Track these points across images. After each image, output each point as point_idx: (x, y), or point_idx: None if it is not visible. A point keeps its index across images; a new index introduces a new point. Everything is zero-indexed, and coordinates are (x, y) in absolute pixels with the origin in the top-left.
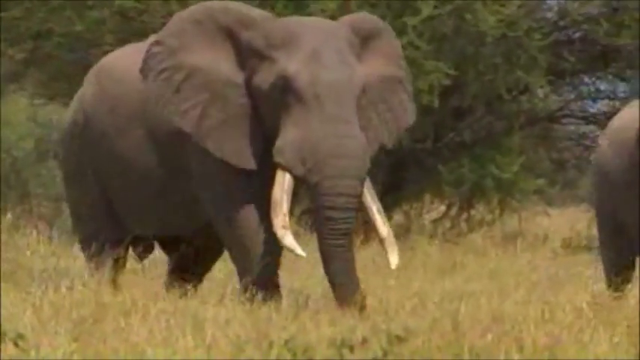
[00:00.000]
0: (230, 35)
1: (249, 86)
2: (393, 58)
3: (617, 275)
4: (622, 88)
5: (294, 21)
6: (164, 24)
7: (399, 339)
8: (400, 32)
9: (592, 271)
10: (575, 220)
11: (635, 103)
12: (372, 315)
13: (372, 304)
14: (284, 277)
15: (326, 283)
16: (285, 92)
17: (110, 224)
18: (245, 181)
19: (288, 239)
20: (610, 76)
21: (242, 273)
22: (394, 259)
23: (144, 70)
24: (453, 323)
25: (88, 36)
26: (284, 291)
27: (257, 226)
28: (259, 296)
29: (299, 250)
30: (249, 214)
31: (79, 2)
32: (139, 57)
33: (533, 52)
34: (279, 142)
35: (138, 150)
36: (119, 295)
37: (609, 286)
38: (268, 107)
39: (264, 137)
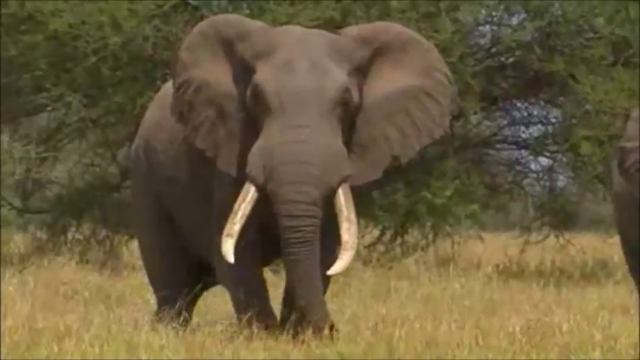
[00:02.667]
0: (230, 48)
1: (243, 99)
2: (421, 69)
3: None
4: (554, 113)
5: (276, 31)
6: (96, 49)
7: None
8: None
9: (525, 296)
10: (508, 245)
11: None
12: (307, 340)
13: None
14: (218, 303)
15: None
16: (258, 102)
17: (178, 256)
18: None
19: (226, 245)
20: (542, 102)
21: (237, 307)
22: (339, 265)
23: (173, 87)
24: (387, 348)
25: (21, 60)
26: (216, 316)
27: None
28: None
29: (230, 257)
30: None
31: (12, 26)
32: None
33: (467, 77)
34: (249, 153)
35: (190, 178)
36: (52, 321)
37: None
38: (256, 119)
39: None
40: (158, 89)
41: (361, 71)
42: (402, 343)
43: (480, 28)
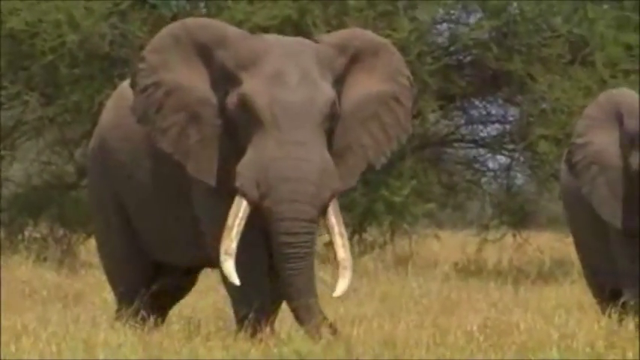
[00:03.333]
0: (205, 53)
1: (222, 106)
2: (390, 74)
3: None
4: (512, 112)
5: (265, 40)
6: (53, 47)
7: None
8: None
9: (483, 294)
10: (466, 244)
11: None
12: (265, 339)
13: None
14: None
15: (217, 308)
16: (246, 114)
17: (135, 255)
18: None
19: (227, 265)
20: (500, 100)
21: (238, 306)
22: (342, 285)
23: (132, 86)
24: (345, 347)
25: None
26: (174, 317)
27: (250, 251)
28: (264, 329)
29: (235, 278)
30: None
31: None
32: None
33: (425, 76)
34: (238, 166)
35: (152, 177)
36: (10, 319)
37: None
38: (237, 129)
39: (238, 159)
40: (115, 87)
41: (340, 79)
42: (360, 342)
43: (438, 26)
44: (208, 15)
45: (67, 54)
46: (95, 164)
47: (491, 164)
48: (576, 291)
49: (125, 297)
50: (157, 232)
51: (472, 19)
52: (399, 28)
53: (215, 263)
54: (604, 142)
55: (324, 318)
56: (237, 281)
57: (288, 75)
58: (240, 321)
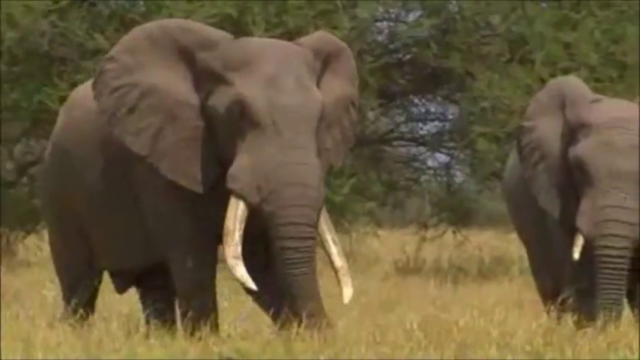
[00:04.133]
0: (187, 56)
1: (204, 108)
2: (349, 79)
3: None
4: (452, 110)
5: (253, 42)
6: None
7: None
8: None
9: (422, 292)
10: (406, 242)
11: None
12: (204, 337)
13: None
14: (113, 301)
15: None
16: (241, 117)
17: (85, 257)
18: (192, 205)
19: (239, 270)
20: (440, 98)
21: (185, 302)
22: (348, 292)
23: (95, 87)
24: (285, 346)
25: None
26: (113, 315)
27: (201, 253)
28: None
29: (250, 283)
30: (195, 240)
31: None
32: None
33: (364, 74)
34: (233, 169)
35: (105, 180)
36: None
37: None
38: (224, 131)
39: (218, 161)
40: (55, 86)
41: (317, 83)
42: (300, 340)
43: (378, 24)
44: (147, 13)
45: (6, 52)
46: (50, 166)
47: (430, 162)
48: (515, 288)
49: (70, 296)
50: (107, 236)
51: (412, 17)
52: (339, 26)
53: (164, 265)
54: (547, 128)
55: (329, 322)
56: (253, 286)
57: (283, 79)
58: (185, 318)
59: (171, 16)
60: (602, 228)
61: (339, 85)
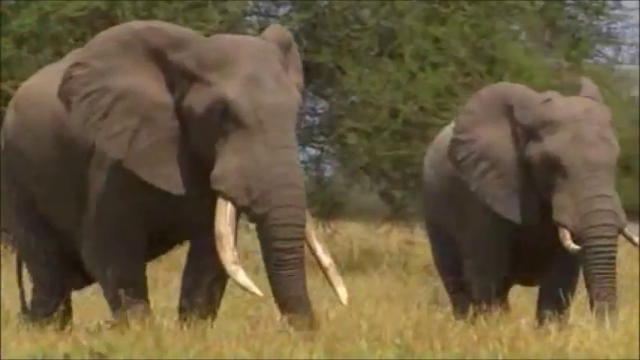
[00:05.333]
0: (159, 57)
1: (179, 109)
2: (300, 71)
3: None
4: (322, 104)
5: (226, 40)
6: None
7: (101, 355)
8: None
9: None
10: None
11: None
12: (74, 331)
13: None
14: None
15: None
16: (223, 117)
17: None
18: (141, 208)
19: (240, 277)
20: (310, 93)
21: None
22: (343, 292)
23: (65, 94)
24: (155, 339)
25: None
26: None
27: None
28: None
29: (255, 289)
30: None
31: None
32: (57, 79)
33: None
34: (218, 170)
35: (60, 176)
36: None
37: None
38: (202, 131)
39: (194, 161)
40: None
41: None
42: (171, 333)
43: (247, 18)
44: (17, 6)
45: None
46: (5, 165)
47: (301, 156)
48: (385, 282)
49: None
50: (66, 232)
51: (281, 12)
52: (209, 20)
53: None
54: (492, 136)
55: (316, 322)
56: (258, 292)
57: (264, 77)
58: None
59: (40, 9)
60: (591, 219)
61: (295, 78)
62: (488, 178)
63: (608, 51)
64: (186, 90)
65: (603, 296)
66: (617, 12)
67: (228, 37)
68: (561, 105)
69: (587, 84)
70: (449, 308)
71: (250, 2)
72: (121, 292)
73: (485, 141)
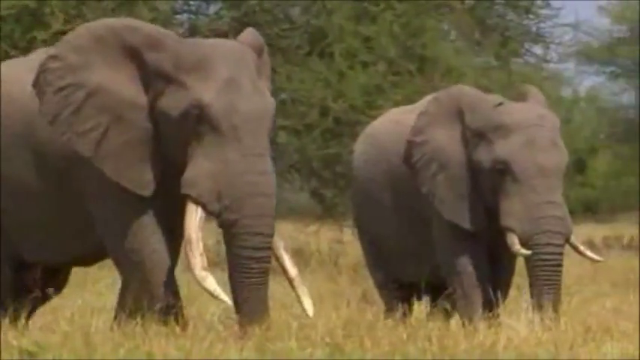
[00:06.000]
0: (135, 56)
1: (153, 109)
2: (269, 77)
3: (389, 297)
4: None
5: (204, 43)
6: None
7: (30, 354)
8: (29, 48)
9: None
10: (207, 235)
11: (391, 111)
12: (4, 331)
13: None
14: None
15: None
16: (198, 121)
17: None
18: (141, 207)
19: (209, 283)
20: None
21: (137, 300)
22: (309, 303)
23: (39, 86)
24: (84, 338)
25: None
26: None
27: (154, 253)
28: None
29: (223, 296)
30: (147, 241)
31: None
32: (25, 73)
33: None
34: (190, 174)
35: (26, 173)
36: None
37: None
38: (174, 133)
39: (165, 163)
40: None
41: None
42: (100, 333)
43: (178, 16)
44: None
45: None
46: None
47: None
48: (317, 281)
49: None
50: (31, 228)
51: (212, 10)
52: (139, 18)
53: (98, 258)
54: (444, 138)
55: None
56: (226, 299)
57: (241, 82)
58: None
59: None
60: (539, 224)
61: (264, 83)
62: (438, 180)
63: (537, 50)
64: (161, 91)
65: (547, 303)
66: (546, 11)
67: (205, 40)
68: (513, 110)
69: (534, 91)
70: (376, 307)
71: (180, 0)
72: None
73: (437, 143)
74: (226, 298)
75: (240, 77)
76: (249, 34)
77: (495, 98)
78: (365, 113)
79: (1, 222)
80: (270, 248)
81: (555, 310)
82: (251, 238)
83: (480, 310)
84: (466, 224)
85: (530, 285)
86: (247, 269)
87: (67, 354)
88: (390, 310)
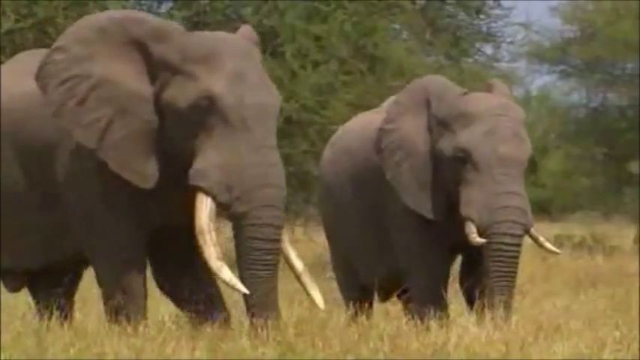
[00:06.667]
0: (140, 47)
1: (158, 101)
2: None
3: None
4: None
5: (209, 37)
6: None
7: None
8: None
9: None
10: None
11: (359, 115)
12: None
13: None
14: None
15: None
16: (208, 112)
17: None
18: (130, 199)
19: (225, 273)
20: None
21: (110, 296)
22: (319, 297)
23: (42, 78)
24: (36, 337)
25: None
26: None
27: (134, 253)
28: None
29: (240, 285)
30: (128, 237)
31: None
32: (15, 72)
33: None
34: (199, 165)
35: (9, 173)
36: None
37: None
38: (181, 124)
39: (169, 155)
40: None
41: None
42: (51, 333)
43: None
44: None
45: None
46: None
47: None
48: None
49: None
50: (7, 232)
51: (163, 9)
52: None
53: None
54: (411, 127)
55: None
56: (243, 289)
57: (249, 75)
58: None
59: None
60: (498, 215)
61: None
62: (403, 169)
63: (488, 49)
64: (168, 82)
65: (499, 294)
66: (497, 11)
67: (211, 33)
68: (477, 99)
69: (499, 84)
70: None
71: (132, 0)
72: (123, 297)
73: (405, 132)
74: (243, 288)
75: (247, 70)
76: (247, 30)
77: (462, 88)
78: (316, 113)
79: None
80: (279, 240)
81: (508, 307)
82: (261, 230)
83: (433, 309)
84: (429, 214)
85: (485, 277)
86: (258, 261)
87: (19, 354)
88: (348, 309)
